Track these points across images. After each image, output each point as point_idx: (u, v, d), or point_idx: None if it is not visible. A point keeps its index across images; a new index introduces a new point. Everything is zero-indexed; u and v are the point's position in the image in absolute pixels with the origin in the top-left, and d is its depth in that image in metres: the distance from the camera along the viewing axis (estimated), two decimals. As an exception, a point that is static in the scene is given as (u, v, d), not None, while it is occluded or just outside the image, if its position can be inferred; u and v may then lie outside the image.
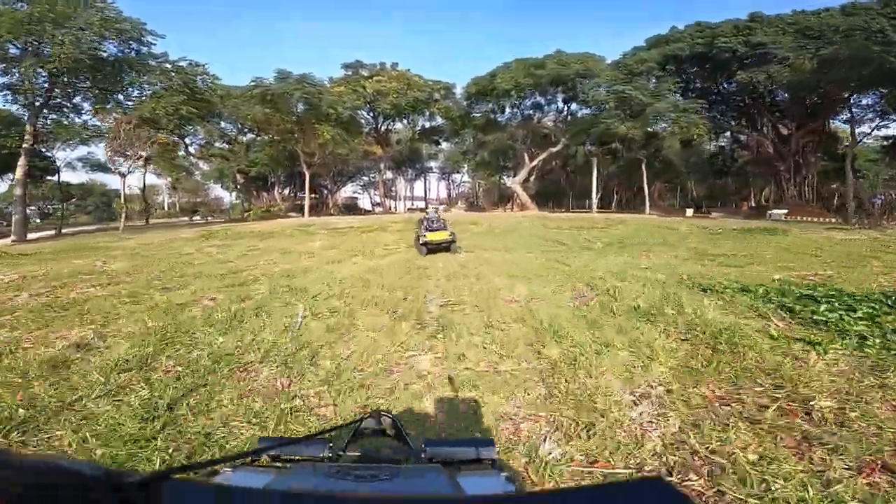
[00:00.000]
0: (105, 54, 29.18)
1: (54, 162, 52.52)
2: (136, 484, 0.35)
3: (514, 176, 53.03)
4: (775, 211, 37.27)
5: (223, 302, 7.42)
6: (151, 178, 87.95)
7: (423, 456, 1.11)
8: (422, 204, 74.62)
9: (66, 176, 68.67)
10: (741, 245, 15.01)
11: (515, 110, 47.79)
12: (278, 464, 1.08)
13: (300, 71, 34.53)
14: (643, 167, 40.97)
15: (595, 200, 46.06)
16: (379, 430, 1.37)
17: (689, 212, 44.29)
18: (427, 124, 50.74)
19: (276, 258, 13.75)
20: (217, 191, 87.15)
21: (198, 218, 72.88)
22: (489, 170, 64.00)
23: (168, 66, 31.63)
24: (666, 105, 33.12)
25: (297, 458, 1.10)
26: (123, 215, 33.06)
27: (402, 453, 1.24)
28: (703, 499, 2.51)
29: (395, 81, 41.08)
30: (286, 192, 71.53)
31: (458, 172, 74.49)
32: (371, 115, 48.00)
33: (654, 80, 35.78)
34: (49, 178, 58.24)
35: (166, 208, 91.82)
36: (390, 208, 70.23)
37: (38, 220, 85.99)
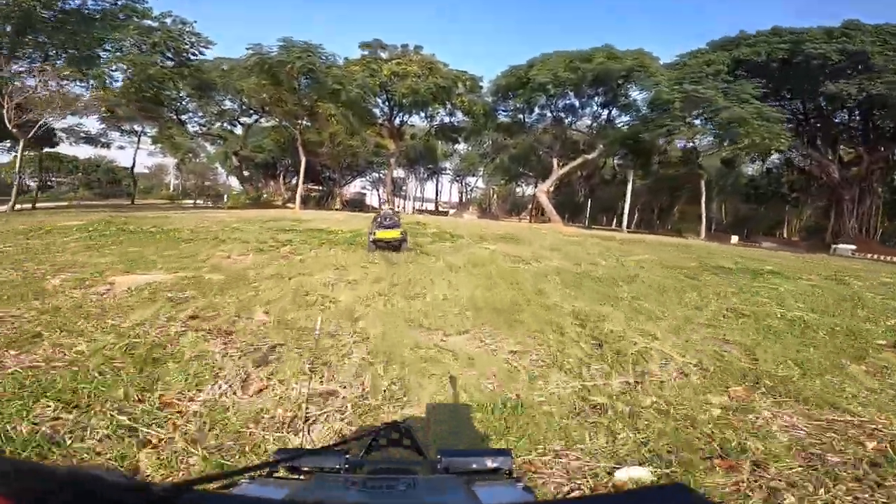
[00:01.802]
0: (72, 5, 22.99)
1: (53, 132, 46.51)
2: (161, 494, 0.34)
3: (538, 184, 46.32)
4: (841, 246, 30.63)
5: None
6: (161, 158, 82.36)
7: (439, 466, 1.05)
8: (431, 206, 67.97)
9: (74, 150, 62.91)
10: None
11: (545, 112, 41.10)
12: (296, 475, 1.05)
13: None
14: (702, 185, 34.17)
15: (626, 218, 39.14)
16: (395, 440, 1.31)
17: (734, 239, 37.50)
18: (446, 119, 43.91)
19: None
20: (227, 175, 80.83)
21: (200, 202, 66.85)
22: (507, 176, 57.18)
23: (150, 22, 25.14)
24: (749, 111, 26.24)
25: (314, 469, 1.05)
26: (15, 188, 23.16)
27: (419, 464, 1.17)
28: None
29: (417, 66, 34.37)
30: (294, 181, 65.09)
31: (473, 176, 67.52)
32: (386, 103, 41.26)
33: (724, 84, 28.95)
34: (49, 149, 52.34)
35: (171, 189, 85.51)
36: (398, 207, 63.68)
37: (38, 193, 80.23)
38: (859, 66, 27.13)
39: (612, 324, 5.37)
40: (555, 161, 38.90)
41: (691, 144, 43.57)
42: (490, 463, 1.06)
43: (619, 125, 39.97)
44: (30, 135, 21.80)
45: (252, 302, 5.55)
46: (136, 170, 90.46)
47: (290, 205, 48.81)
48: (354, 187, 73.24)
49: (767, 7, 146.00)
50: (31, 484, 0.29)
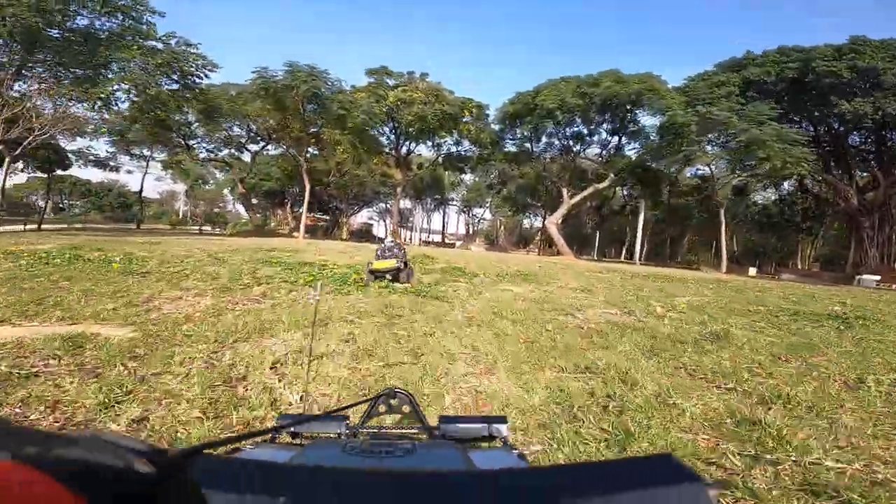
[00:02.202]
0: (80, 25, 22.73)
1: (67, 156, 46.58)
2: (173, 458, 0.35)
3: (546, 215, 45.19)
4: (866, 277, 28.88)
5: None
6: (171, 185, 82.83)
7: (437, 433, 1.09)
8: (437, 237, 66.94)
9: (88, 173, 63.12)
10: None
11: (553, 140, 40.34)
12: (297, 440, 1.08)
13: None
14: (721, 214, 32.68)
15: (639, 250, 37.60)
16: (394, 406, 1.32)
17: (752, 271, 35.78)
18: (453, 149, 43.28)
19: None
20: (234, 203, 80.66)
21: (207, 228, 66.51)
22: (514, 207, 56.17)
23: (155, 43, 24.79)
24: (768, 133, 24.97)
25: (315, 434, 1.10)
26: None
27: (417, 430, 1.19)
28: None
29: (423, 93, 33.89)
30: (303, 209, 64.59)
31: (480, 207, 66.70)
32: (393, 132, 40.78)
33: (738, 106, 27.86)
34: (62, 172, 52.47)
35: (180, 216, 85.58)
36: (405, 239, 62.62)
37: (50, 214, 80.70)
38: (870, 84, 26.03)
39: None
40: (564, 191, 37.74)
41: (706, 171, 42.46)
42: (487, 430, 1.07)
43: (628, 153, 39.07)
44: (17, 151, 21.08)
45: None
46: (147, 195, 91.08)
47: (295, 234, 48.14)
48: (361, 217, 72.88)
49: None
50: (40, 449, 0.29)
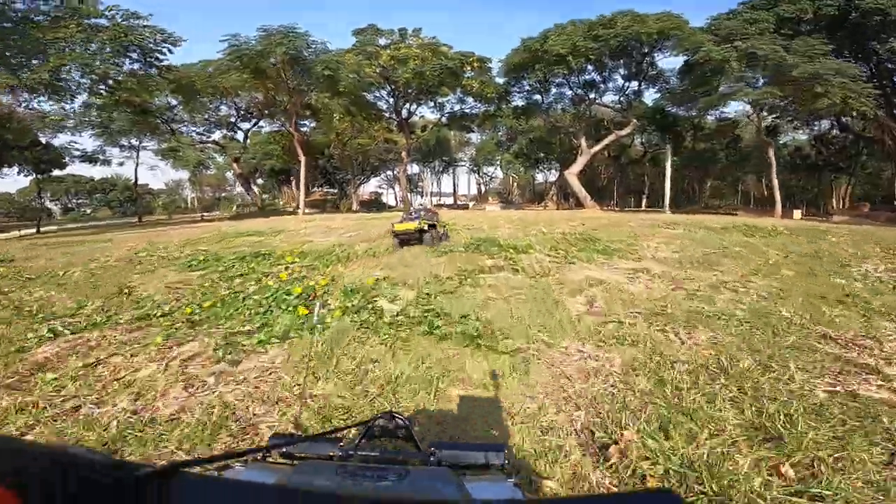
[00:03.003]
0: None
1: (62, 154, 44.25)
2: (148, 475, 0.33)
3: (559, 169, 41.78)
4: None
5: None
6: (177, 174, 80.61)
7: (432, 459, 1.06)
8: (449, 200, 63.78)
9: (91, 171, 61.44)
10: None
11: (563, 90, 36.48)
12: (289, 461, 1.04)
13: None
14: (770, 154, 29.17)
15: (668, 198, 34.24)
16: (390, 430, 1.28)
17: (797, 214, 32.33)
18: (457, 108, 39.67)
19: None
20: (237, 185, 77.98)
21: (215, 213, 64.48)
22: (526, 163, 52.59)
23: (99, 20, 21.42)
24: (827, 66, 21.20)
25: (307, 455, 1.07)
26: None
27: (412, 455, 1.16)
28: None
29: (418, 50, 30.25)
30: (301, 184, 61.93)
31: (490, 165, 62.99)
32: (391, 95, 37.29)
33: (782, 42, 23.82)
34: (58, 171, 50.36)
35: (188, 203, 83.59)
36: (415, 204, 59.84)
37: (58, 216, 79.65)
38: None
39: None
40: (582, 141, 34.23)
41: (730, 112, 38.40)
42: (483, 458, 1.04)
43: (647, 98, 35.21)
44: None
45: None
46: (154, 186, 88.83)
47: (305, 211, 45.79)
48: (370, 187, 69.77)
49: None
50: (12, 463, 0.28)
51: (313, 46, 23.82)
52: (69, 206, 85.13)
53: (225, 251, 9.46)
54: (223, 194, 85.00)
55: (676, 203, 55.35)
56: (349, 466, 0.81)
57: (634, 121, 31.76)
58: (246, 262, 8.06)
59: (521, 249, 8.55)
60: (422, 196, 70.30)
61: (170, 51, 24.12)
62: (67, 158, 40.48)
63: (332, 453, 1.05)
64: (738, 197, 62.73)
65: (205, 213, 56.47)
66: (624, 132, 32.75)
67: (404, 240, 9.15)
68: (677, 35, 26.37)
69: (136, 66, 24.03)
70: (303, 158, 28.29)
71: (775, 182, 30.04)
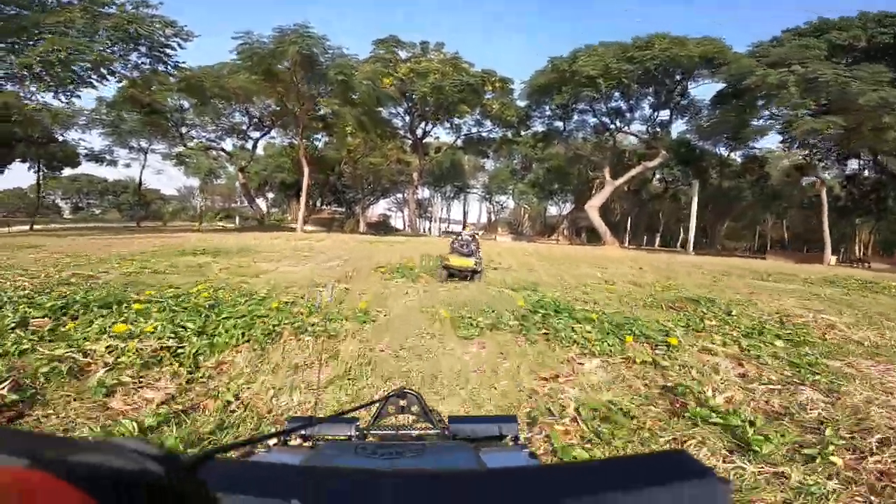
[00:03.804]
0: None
1: (76, 152, 42.67)
2: (186, 464, 0.34)
3: (571, 202, 39.39)
4: None
5: None
6: (187, 181, 79.27)
7: (447, 433, 1.07)
8: (458, 227, 61.51)
9: (105, 172, 60.11)
10: None
11: (585, 117, 34.48)
12: (308, 443, 1.05)
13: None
14: (822, 194, 26.81)
15: (692, 237, 31.64)
16: (403, 407, 1.27)
17: (832, 260, 29.55)
18: (474, 130, 37.71)
19: None
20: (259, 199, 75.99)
21: (218, 224, 62.41)
22: (541, 193, 50.32)
23: (105, 8, 19.46)
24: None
25: (325, 437, 1.07)
26: None
27: (427, 430, 1.14)
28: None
29: (439, 64, 28.41)
30: (319, 203, 60.11)
31: (503, 194, 60.70)
32: (407, 112, 35.45)
33: (843, 68, 21.54)
34: (70, 169, 48.79)
35: (197, 211, 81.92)
36: (422, 230, 57.52)
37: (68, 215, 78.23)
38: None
39: None
40: (606, 172, 31.91)
41: (756, 148, 36.04)
42: (497, 430, 1.05)
43: (675, 130, 33.05)
44: None
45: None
46: (165, 192, 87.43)
47: (306, 227, 43.58)
48: (379, 209, 67.67)
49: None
50: (56, 455, 0.29)
51: (329, 50, 21.84)
52: (80, 205, 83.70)
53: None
54: (232, 205, 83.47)
55: (694, 242, 52.90)
56: (368, 445, 0.81)
57: (664, 152, 29.44)
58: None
59: (626, 328, 4.84)
60: (430, 221, 68.12)
61: (180, 45, 22.20)
62: (81, 157, 38.89)
63: (349, 434, 1.04)
64: (756, 239, 60.09)
65: (204, 224, 54.42)
66: (653, 164, 30.44)
67: (454, 273, 8.72)
68: (720, 60, 24.27)
69: (144, 60, 22.13)
70: (306, 170, 26.06)
71: (826, 225, 27.42)
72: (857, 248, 47.02)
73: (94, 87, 19.89)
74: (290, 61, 20.82)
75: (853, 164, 37.45)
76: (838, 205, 39.56)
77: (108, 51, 18.83)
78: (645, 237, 59.11)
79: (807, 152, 30.70)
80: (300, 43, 19.99)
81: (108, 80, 20.48)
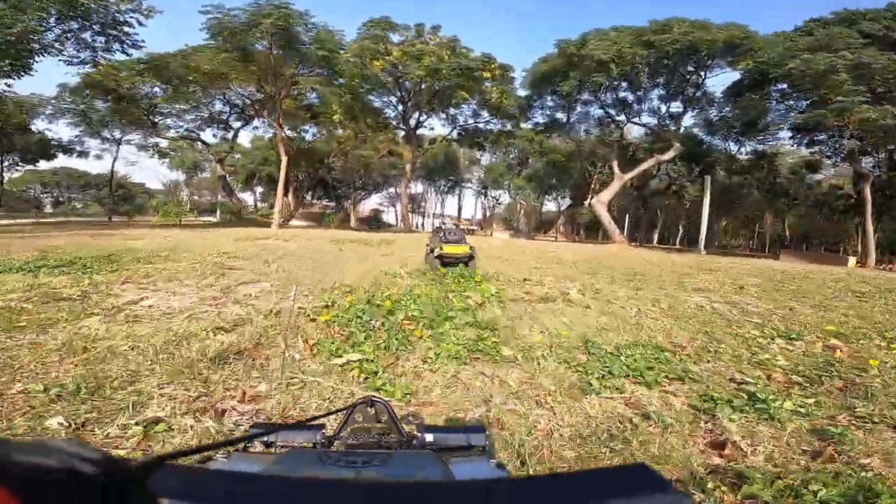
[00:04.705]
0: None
1: (52, 144, 39.27)
2: (133, 468, 0.32)
3: (567, 198, 36.80)
4: None
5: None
6: (173, 174, 75.59)
7: (414, 442, 1.04)
8: (450, 224, 58.30)
9: (85, 164, 57.07)
10: None
11: (590, 108, 31.85)
12: (271, 450, 1.01)
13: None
14: (866, 191, 24.67)
15: (703, 237, 29.18)
16: (371, 415, 1.21)
17: (851, 261, 27.26)
18: (470, 122, 34.89)
19: None
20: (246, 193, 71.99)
21: (208, 218, 59.13)
22: (539, 189, 47.65)
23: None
24: None
25: (290, 444, 1.03)
26: None
27: (395, 440, 1.11)
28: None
29: (435, 48, 25.52)
30: (309, 196, 57.06)
31: (499, 189, 57.87)
32: (400, 101, 32.52)
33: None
34: (45, 161, 45.27)
35: (186, 205, 78.11)
36: (415, 225, 54.74)
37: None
38: None
39: None
40: (615, 165, 29.31)
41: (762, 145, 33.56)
42: (465, 440, 1.02)
43: (686, 121, 30.50)
44: None
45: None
46: (151, 186, 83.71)
47: (293, 223, 40.63)
48: (371, 204, 64.50)
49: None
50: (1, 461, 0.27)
51: (310, 25, 18.83)
52: (60, 199, 79.56)
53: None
54: (219, 199, 79.81)
55: (691, 241, 50.67)
56: (333, 453, 0.79)
57: (677, 144, 26.85)
58: None
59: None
60: (423, 217, 65.12)
61: (140, 23, 19.10)
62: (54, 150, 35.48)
63: (314, 441, 1.00)
64: (755, 237, 58.10)
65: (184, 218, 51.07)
66: (666, 157, 27.84)
67: (448, 262, 8.27)
68: (747, 45, 21.66)
69: (98, 39, 19.00)
70: (284, 159, 23.17)
71: (870, 225, 25.17)
72: (860, 248, 45.00)
73: (23, 65, 16.77)
74: (266, 36, 17.80)
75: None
76: (848, 203, 37.34)
77: (45, 24, 15.71)
78: (643, 234, 56.83)
79: (858, 143, 28.49)
80: (275, 15, 16.97)
81: (41, 56, 17.34)
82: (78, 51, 18.51)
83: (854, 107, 18.03)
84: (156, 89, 29.08)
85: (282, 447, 1.00)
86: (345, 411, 1.22)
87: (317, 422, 1.04)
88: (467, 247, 8.31)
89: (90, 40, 18.19)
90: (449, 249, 8.20)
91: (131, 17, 18.56)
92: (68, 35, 17.85)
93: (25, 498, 0.25)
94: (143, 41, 19.27)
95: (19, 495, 0.25)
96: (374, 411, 1.20)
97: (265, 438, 0.99)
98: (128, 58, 21.27)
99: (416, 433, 1.04)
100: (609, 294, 6.90)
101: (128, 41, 18.67)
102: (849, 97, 17.89)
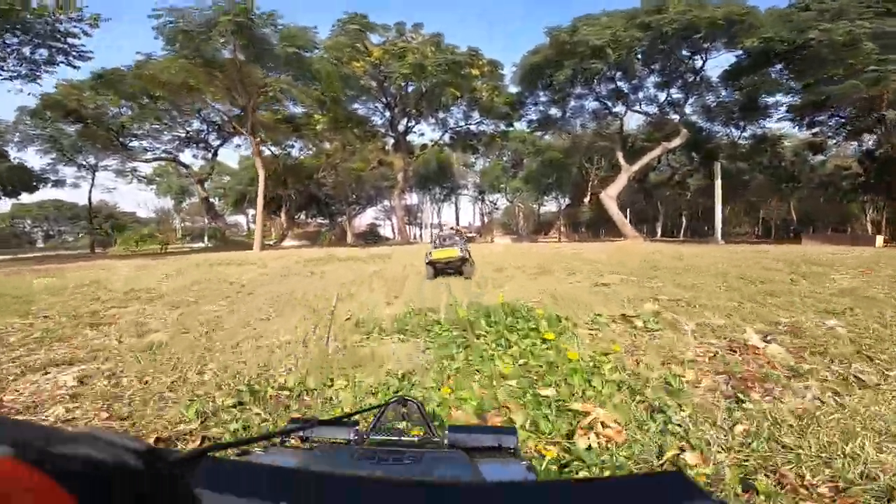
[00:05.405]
0: None
1: (32, 177, 37.20)
2: (178, 460, 0.33)
3: (563, 198, 34.82)
4: None
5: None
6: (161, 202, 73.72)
7: (445, 441, 1.02)
8: (450, 231, 56.34)
9: (67, 194, 55.26)
10: None
11: (584, 102, 29.97)
12: (306, 445, 1.02)
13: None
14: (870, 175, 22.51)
15: (719, 227, 27.09)
16: (404, 414, 1.25)
17: (879, 240, 25.26)
18: (462, 124, 32.96)
19: None
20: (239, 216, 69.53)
21: (198, 245, 57.11)
22: (536, 190, 45.66)
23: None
24: None
25: (324, 439, 1.05)
26: None
27: (425, 438, 1.11)
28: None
29: (418, 46, 23.64)
30: (301, 216, 55.12)
31: (496, 192, 55.71)
32: (386, 107, 30.60)
33: None
34: (27, 192, 43.12)
35: (178, 233, 75.94)
36: (413, 237, 52.71)
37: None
38: None
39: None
40: (620, 157, 27.34)
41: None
42: (495, 441, 1.01)
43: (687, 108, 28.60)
44: None
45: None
46: (141, 214, 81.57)
47: (285, 243, 38.71)
48: (366, 219, 62.42)
49: None
50: (33, 444, 0.27)
51: (275, 22, 16.84)
52: (50, 233, 77.54)
53: None
54: (213, 224, 77.75)
55: (694, 231, 48.68)
56: (365, 450, 0.80)
57: (684, 130, 24.91)
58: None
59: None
60: (421, 228, 63.07)
61: (85, 33, 17.12)
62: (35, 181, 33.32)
63: (347, 438, 1.01)
64: (759, 223, 56.03)
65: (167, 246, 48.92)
66: (673, 144, 25.89)
67: (441, 269, 8.07)
68: (749, 21, 19.76)
69: (40, 52, 17.01)
70: (261, 173, 21.13)
71: None
72: (869, 228, 42.93)
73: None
74: (227, 37, 15.82)
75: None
76: (856, 182, 35.25)
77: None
78: (644, 227, 54.81)
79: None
80: (234, 11, 15.00)
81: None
82: (20, 65, 16.52)
83: (892, 75, 16.05)
84: (121, 109, 27.21)
85: (316, 442, 0.99)
86: (378, 409, 1.22)
87: (350, 419, 1.03)
88: (457, 250, 8.06)
89: (28, 54, 16.23)
90: (438, 255, 8.00)
91: (76, 27, 16.59)
92: (8, 50, 15.87)
93: (79, 493, 0.26)
94: (90, 52, 17.31)
95: (73, 491, 0.26)
96: (406, 410, 1.20)
97: (301, 433, 1.00)
98: (76, 70, 19.50)
99: (446, 433, 1.01)
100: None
101: (73, 52, 16.67)
102: (881, 66, 15.90)
